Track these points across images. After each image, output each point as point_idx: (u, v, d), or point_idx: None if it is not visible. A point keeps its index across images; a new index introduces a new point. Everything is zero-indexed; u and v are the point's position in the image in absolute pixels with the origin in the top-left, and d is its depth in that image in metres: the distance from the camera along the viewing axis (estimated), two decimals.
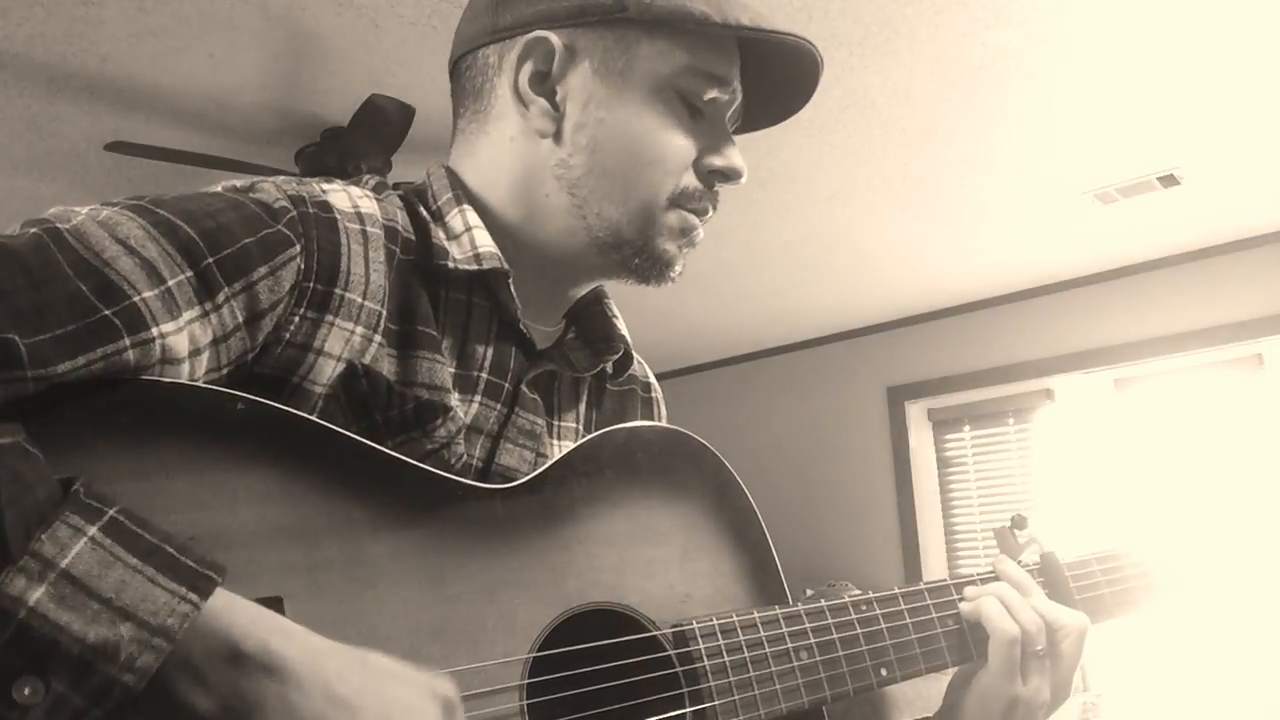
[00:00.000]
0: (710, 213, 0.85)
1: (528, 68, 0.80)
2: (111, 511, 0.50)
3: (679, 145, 0.81)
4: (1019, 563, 1.00)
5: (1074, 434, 4.42)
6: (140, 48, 2.46)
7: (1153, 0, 2.38)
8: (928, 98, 2.81)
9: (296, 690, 0.52)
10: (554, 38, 0.80)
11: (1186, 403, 4.16)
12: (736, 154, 0.84)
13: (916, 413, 4.88)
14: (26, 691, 0.46)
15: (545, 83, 0.81)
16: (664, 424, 0.90)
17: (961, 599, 0.93)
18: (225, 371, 0.66)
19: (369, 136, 2.71)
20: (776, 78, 0.87)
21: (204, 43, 2.46)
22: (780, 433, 5.25)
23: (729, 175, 0.84)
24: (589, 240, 0.82)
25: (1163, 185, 3.40)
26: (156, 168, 2.93)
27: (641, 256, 0.82)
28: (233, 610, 0.52)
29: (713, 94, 0.82)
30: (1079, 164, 3.25)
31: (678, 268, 0.85)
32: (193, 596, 0.50)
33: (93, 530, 0.49)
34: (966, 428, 4.78)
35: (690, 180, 0.82)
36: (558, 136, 0.81)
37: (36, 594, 0.46)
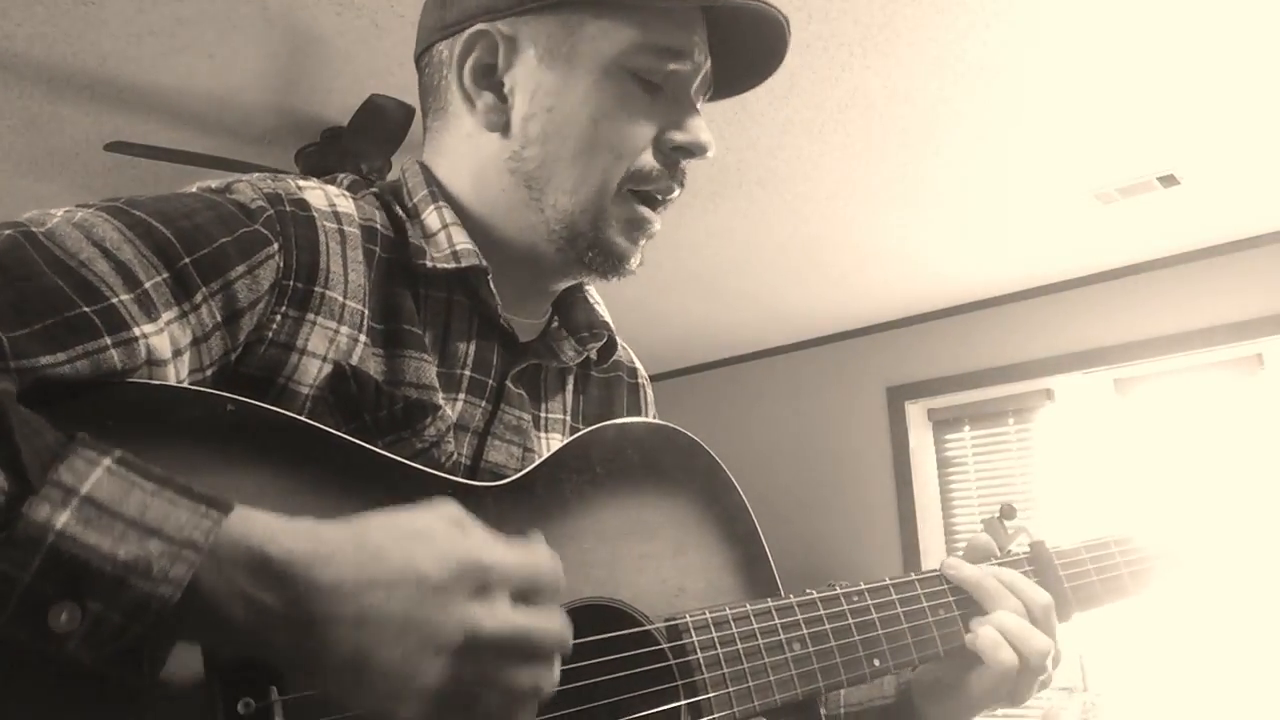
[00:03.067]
0: (676, 192, 0.84)
1: (471, 62, 0.80)
2: (118, 451, 0.51)
3: (632, 128, 0.79)
4: (1008, 552, 1.00)
5: (1074, 434, 4.42)
6: (140, 48, 2.46)
7: (1153, 1, 2.38)
8: (928, 98, 2.81)
9: (327, 569, 0.52)
10: (496, 29, 0.79)
11: (1186, 403, 4.16)
12: (700, 127, 0.81)
13: (916, 413, 4.88)
14: (64, 618, 0.46)
15: (493, 75, 0.80)
16: (654, 420, 0.90)
17: (961, 613, 0.93)
18: (209, 373, 0.66)
19: (369, 136, 2.71)
20: (744, 43, 0.85)
21: (204, 43, 2.46)
22: (780, 433, 5.25)
23: (692, 150, 0.81)
24: (546, 235, 0.81)
25: (1163, 185, 3.40)
26: (156, 168, 2.94)
27: (595, 250, 0.81)
28: (251, 521, 0.52)
29: (670, 67, 0.79)
30: (1079, 164, 3.25)
31: (633, 260, 0.83)
32: (213, 513, 0.51)
33: (107, 461, 0.50)
34: (966, 428, 4.78)
35: (647, 161, 0.80)
36: (506, 129, 0.80)
37: (63, 518, 0.47)
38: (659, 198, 0.83)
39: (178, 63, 2.54)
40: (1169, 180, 3.37)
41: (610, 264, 0.82)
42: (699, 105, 0.85)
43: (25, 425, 0.49)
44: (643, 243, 0.84)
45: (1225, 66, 2.68)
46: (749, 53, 0.86)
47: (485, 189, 0.82)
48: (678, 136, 0.81)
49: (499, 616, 0.55)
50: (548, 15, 0.78)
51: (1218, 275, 4.00)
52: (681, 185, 0.84)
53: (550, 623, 0.58)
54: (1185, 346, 4.05)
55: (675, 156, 0.82)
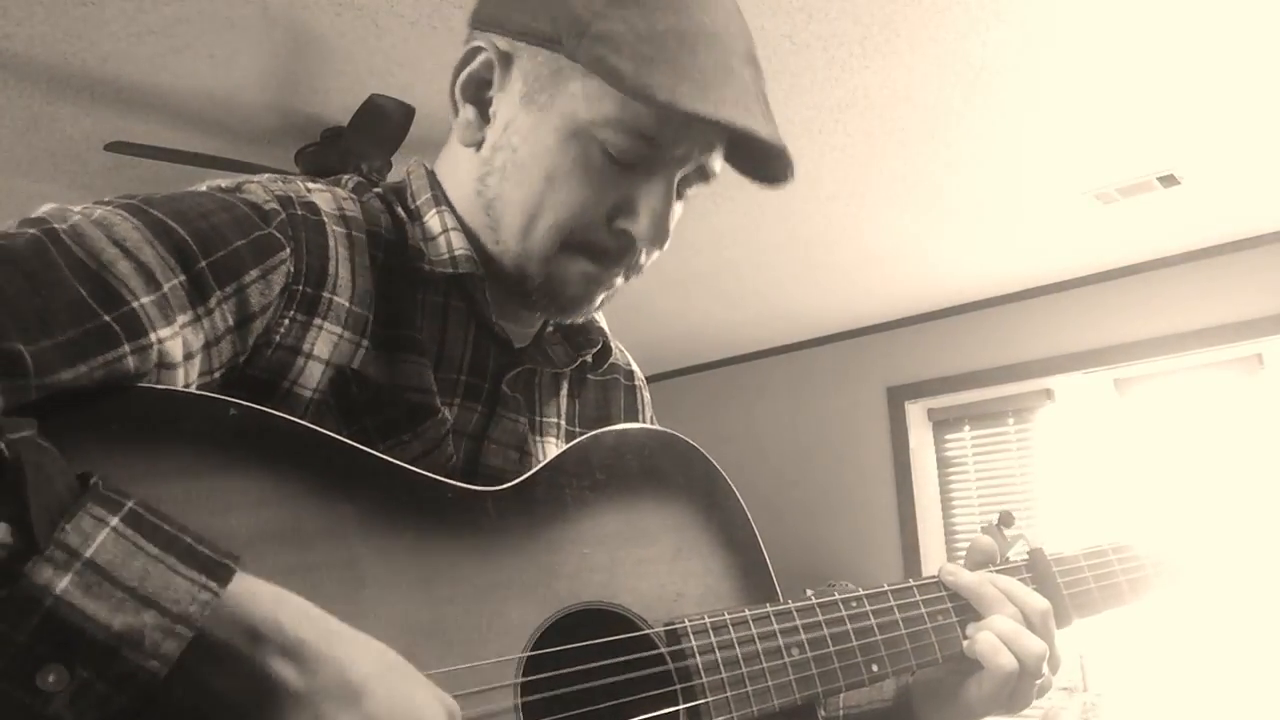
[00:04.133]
0: (621, 274, 0.80)
1: (466, 73, 0.79)
2: (130, 503, 0.51)
3: (582, 196, 0.75)
4: (1006, 559, 1.01)
5: (1074, 434, 4.42)
6: (140, 48, 2.46)
7: (1153, 1, 2.38)
8: (928, 98, 2.81)
9: (309, 672, 0.53)
10: (493, 48, 0.78)
11: (1186, 403, 4.16)
12: (649, 219, 0.76)
13: (916, 413, 4.88)
14: (51, 679, 0.46)
15: (486, 91, 0.79)
16: (653, 425, 0.90)
17: (959, 619, 0.93)
18: (217, 375, 0.67)
19: (369, 136, 2.71)
20: (752, 155, 0.79)
21: (204, 43, 2.46)
22: (780, 433, 5.25)
23: (635, 238, 0.77)
24: (504, 266, 0.79)
25: (1163, 185, 3.40)
26: (156, 168, 2.94)
27: (541, 294, 0.79)
28: (253, 595, 0.52)
29: (643, 152, 0.74)
30: (1079, 164, 3.25)
31: (587, 309, 0.81)
32: (212, 584, 0.50)
33: (114, 521, 0.49)
34: (966, 428, 4.78)
35: (595, 234, 0.77)
36: (479, 148, 0.79)
37: (63, 583, 0.47)
38: (604, 270, 0.79)
39: (178, 63, 2.54)
40: (1169, 180, 3.36)
41: (559, 308, 0.80)
42: (689, 188, 0.81)
43: (39, 473, 0.48)
44: (601, 295, 0.81)
45: (1225, 66, 2.67)
46: (756, 165, 0.81)
47: (463, 199, 0.82)
48: (622, 222, 0.76)
49: None
50: (544, 55, 0.75)
51: (1218, 275, 3.99)
52: (627, 275, 0.80)
53: None
54: (1185, 346, 4.05)
55: (623, 239, 0.77)
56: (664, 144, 0.75)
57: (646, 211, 0.77)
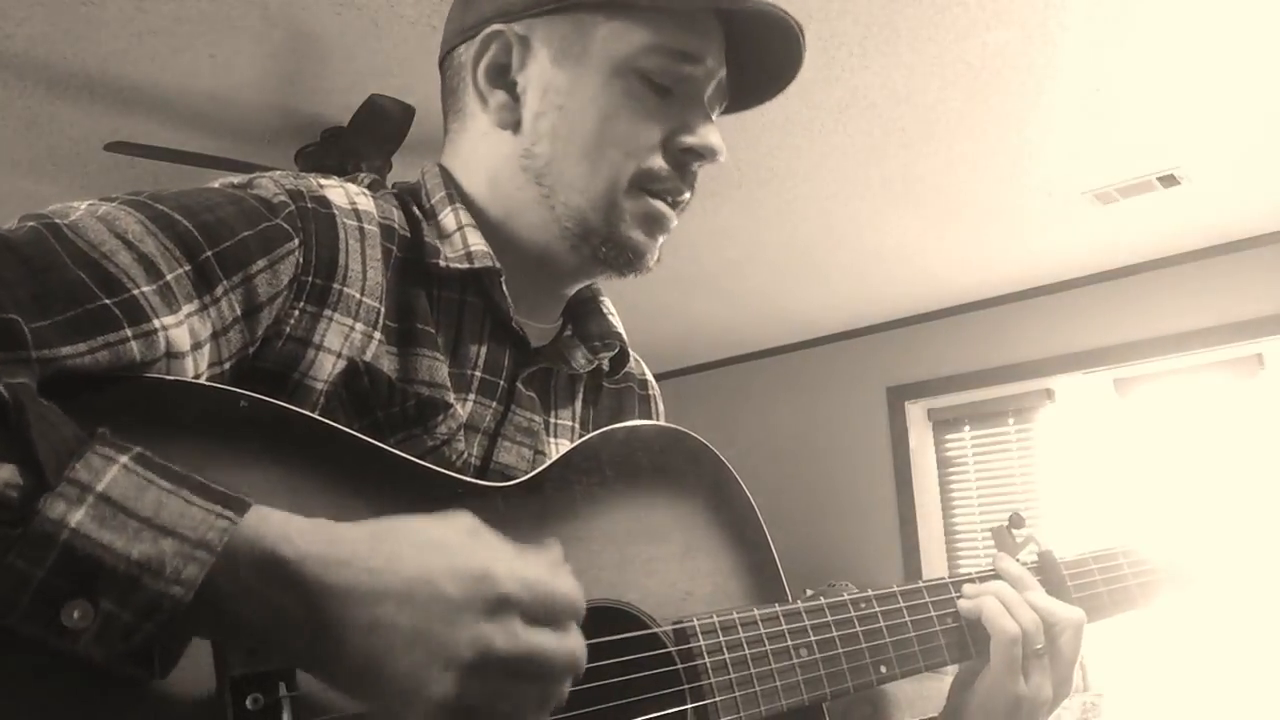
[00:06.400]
0: (685, 195, 0.83)
1: (485, 61, 0.81)
2: (137, 448, 0.51)
3: (640, 127, 0.79)
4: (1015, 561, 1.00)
5: (1074, 434, 4.42)
6: (140, 48, 2.46)
7: (1152, 1, 2.38)
8: (928, 98, 2.81)
9: (341, 573, 0.52)
10: (510, 30, 0.80)
11: (1186, 403, 4.16)
12: (711, 131, 0.81)
13: (916, 413, 4.88)
14: (76, 615, 0.47)
15: (506, 75, 0.81)
16: (663, 423, 0.90)
17: (960, 596, 0.93)
18: (227, 366, 0.67)
19: (369, 136, 2.71)
20: (759, 53, 0.85)
21: (204, 43, 2.46)
22: (780, 433, 5.25)
23: (701, 153, 0.81)
24: (559, 233, 0.81)
25: (1163, 185, 3.40)
26: (156, 167, 2.93)
27: (609, 245, 0.81)
28: (267, 521, 0.52)
29: (683, 70, 0.79)
30: (1079, 164, 3.25)
31: (650, 256, 0.83)
32: (228, 513, 0.50)
33: (124, 459, 0.50)
34: (966, 428, 4.78)
35: (656, 162, 0.80)
36: (518, 127, 0.81)
37: (77, 516, 0.47)
38: (669, 199, 0.82)
39: (178, 63, 2.54)
40: (1169, 180, 3.37)
41: (625, 259, 0.82)
42: (713, 114, 0.85)
43: (42, 420, 0.49)
44: (660, 239, 0.83)
45: (1226, 66, 2.68)
46: (763, 65, 0.86)
47: (499, 188, 0.83)
48: (686, 139, 0.80)
49: (511, 635, 0.55)
50: (561, 17, 0.79)
51: (1218, 275, 4.00)
52: (691, 188, 0.84)
53: (562, 644, 0.57)
54: (1185, 346, 4.05)
55: (684, 159, 0.81)
56: (697, 57, 0.80)
57: (702, 125, 0.81)
